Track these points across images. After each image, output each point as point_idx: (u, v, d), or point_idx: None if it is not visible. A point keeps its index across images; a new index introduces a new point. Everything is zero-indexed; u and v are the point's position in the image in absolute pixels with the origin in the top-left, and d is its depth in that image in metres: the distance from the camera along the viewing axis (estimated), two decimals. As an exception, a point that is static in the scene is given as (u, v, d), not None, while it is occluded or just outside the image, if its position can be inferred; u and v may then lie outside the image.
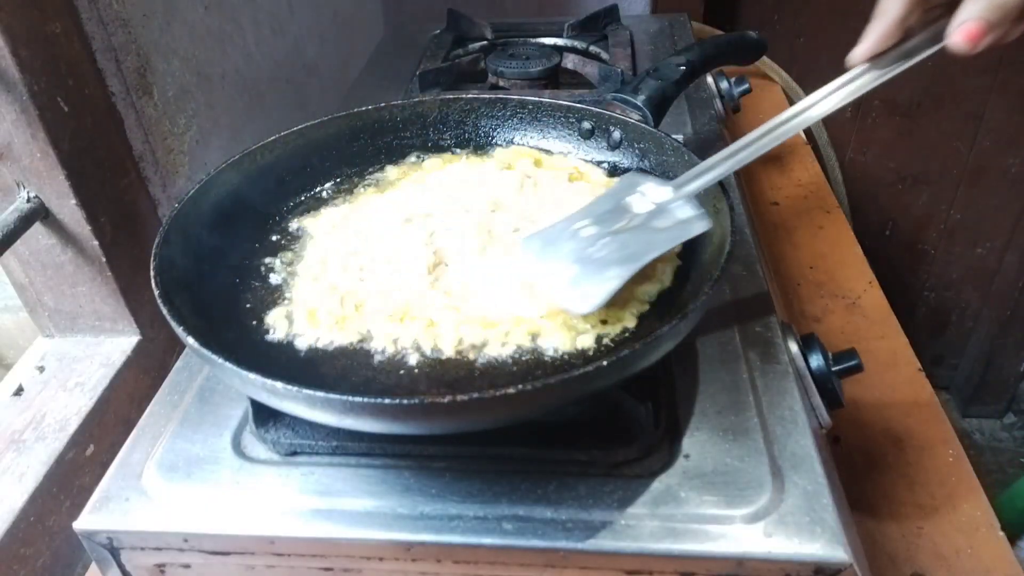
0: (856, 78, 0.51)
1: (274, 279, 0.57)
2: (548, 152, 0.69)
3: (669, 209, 0.52)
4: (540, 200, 0.60)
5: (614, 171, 0.66)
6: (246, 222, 0.61)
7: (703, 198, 0.55)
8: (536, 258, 0.51)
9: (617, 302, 0.51)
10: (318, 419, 0.42)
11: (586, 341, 0.49)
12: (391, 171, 0.69)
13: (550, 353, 0.49)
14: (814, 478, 0.45)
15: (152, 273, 0.48)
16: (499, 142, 0.71)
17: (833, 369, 0.54)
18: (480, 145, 0.71)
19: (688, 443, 0.48)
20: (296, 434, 0.49)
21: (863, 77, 0.51)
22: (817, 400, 0.53)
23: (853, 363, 0.55)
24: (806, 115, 0.52)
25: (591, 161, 0.67)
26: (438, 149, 0.71)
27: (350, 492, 0.47)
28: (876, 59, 0.50)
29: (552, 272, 0.50)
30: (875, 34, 0.49)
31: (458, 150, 0.71)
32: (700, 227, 0.51)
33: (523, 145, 0.71)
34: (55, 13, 0.60)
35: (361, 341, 0.50)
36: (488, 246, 0.56)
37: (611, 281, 0.48)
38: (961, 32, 0.45)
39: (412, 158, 0.70)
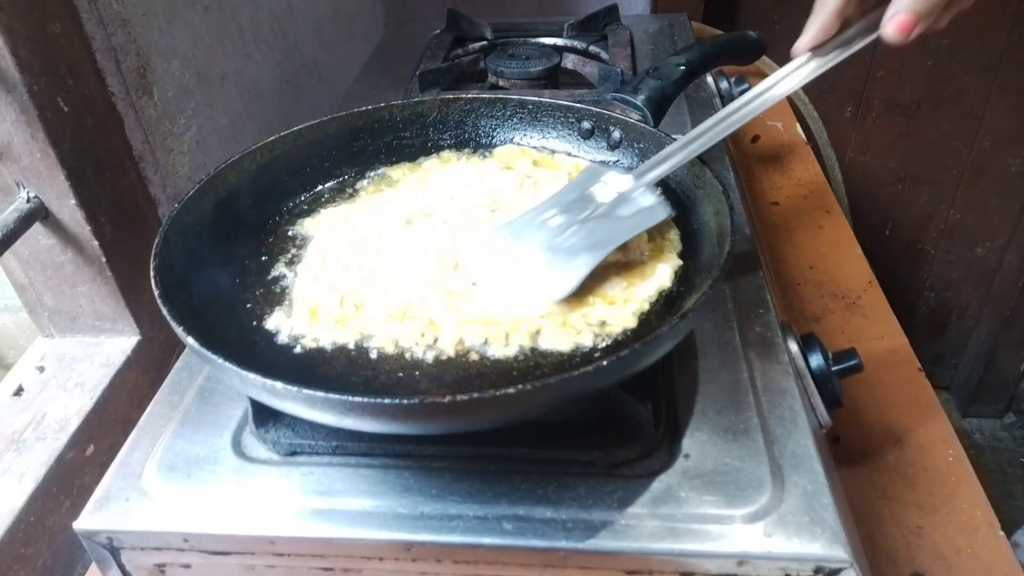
0: (801, 67, 0.54)
1: (274, 279, 0.57)
2: (548, 152, 0.69)
3: (631, 198, 0.55)
4: (540, 200, 0.60)
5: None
6: (246, 222, 0.61)
7: (706, 191, 0.56)
8: (508, 249, 0.54)
9: (617, 302, 0.51)
10: (318, 419, 0.42)
11: (586, 341, 0.49)
12: (391, 171, 0.69)
13: (550, 353, 0.49)
14: (814, 478, 0.45)
15: (152, 273, 0.48)
16: (499, 142, 0.71)
17: (833, 369, 0.54)
18: (480, 145, 0.71)
19: (688, 443, 0.48)
20: (296, 434, 0.49)
21: (808, 66, 0.54)
22: (817, 400, 0.53)
23: (853, 363, 0.55)
24: (756, 103, 0.55)
25: (591, 161, 0.67)
26: (438, 149, 0.71)
27: (350, 492, 0.47)
28: (818, 49, 0.53)
29: (525, 261, 0.53)
30: (815, 26, 0.52)
31: (458, 150, 0.71)
32: (661, 214, 0.54)
33: (523, 145, 0.71)
34: (55, 13, 0.60)
35: (361, 341, 0.50)
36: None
37: (581, 268, 0.51)
38: (893, 24, 0.48)
39: (412, 158, 0.70)
